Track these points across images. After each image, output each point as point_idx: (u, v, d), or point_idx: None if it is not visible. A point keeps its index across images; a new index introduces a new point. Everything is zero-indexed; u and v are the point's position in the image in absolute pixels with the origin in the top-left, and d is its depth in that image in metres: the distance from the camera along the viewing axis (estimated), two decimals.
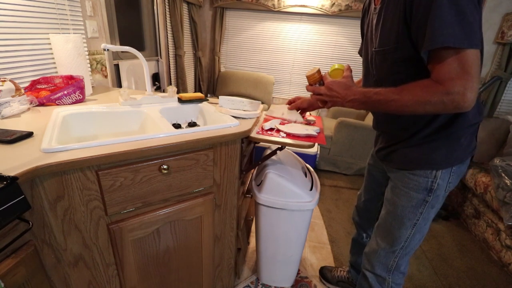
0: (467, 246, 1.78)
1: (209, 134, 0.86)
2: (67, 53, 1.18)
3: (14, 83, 0.98)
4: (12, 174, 0.53)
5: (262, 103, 2.62)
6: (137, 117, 1.06)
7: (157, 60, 2.48)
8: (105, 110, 1.03)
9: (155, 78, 2.48)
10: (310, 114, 1.26)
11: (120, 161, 0.72)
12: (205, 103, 1.21)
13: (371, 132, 2.42)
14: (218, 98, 1.15)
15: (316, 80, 0.88)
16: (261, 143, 1.00)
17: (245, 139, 0.98)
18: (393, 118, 0.85)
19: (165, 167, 0.79)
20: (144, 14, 2.23)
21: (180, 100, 1.17)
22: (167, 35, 2.53)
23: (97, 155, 0.66)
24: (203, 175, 0.90)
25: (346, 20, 3.01)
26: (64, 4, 1.29)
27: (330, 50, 3.18)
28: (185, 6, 2.81)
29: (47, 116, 0.91)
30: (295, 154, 1.36)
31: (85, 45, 1.43)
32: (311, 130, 1.02)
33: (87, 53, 1.43)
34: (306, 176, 1.22)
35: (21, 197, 0.53)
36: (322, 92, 0.85)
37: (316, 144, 1.90)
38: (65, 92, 1.05)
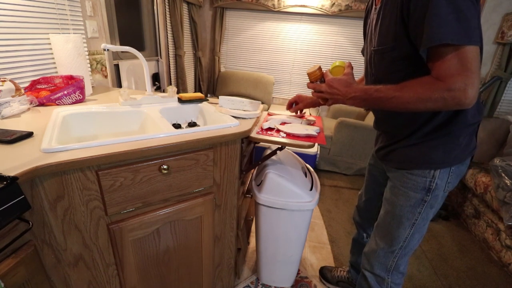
0: (467, 246, 1.78)
1: (209, 134, 0.86)
2: (67, 53, 1.18)
3: (14, 83, 0.98)
4: (12, 174, 0.53)
5: (262, 103, 2.63)
6: (137, 117, 1.06)
7: (157, 60, 2.48)
8: (105, 110, 1.03)
9: (155, 78, 2.48)
10: (310, 114, 1.26)
11: (120, 161, 0.72)
12: (205, 103, 1.21)
13: (371, 132, 2.42)
14: (218, 98, 1.15)
15: (317, 78, 0.87)
16: (261, 143, 1.00)
17: (245, 139, 0.98)
18: (392, 116, 0.85)
19: (165, 167, 0.79)
20: (144, 14, 2.23)
21: (180, 100, 1.17)
22: (167, 35, 2.53)
23: (97, 155, 0.66)
24: (203, 175, 0.90)
25: (346, 20, 3.02)
26: (64, 4, 1.29)
27: (330, 50, 3.18)
28: (185, 6, 2.81)
29: (47, 116, 0.91)
30: (295, 154, 1.36)
31: (85, 45, 1.43)
32: (311, 130, 1.02)
33: (87, 53, 1.43)
34: (306, 176, 1.22)
35: (21, 197, 0.53)
36: (323, 90, 0.85)
37: (316, 144, 1.90)
38: (65, 92, 1.05)
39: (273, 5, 3.01)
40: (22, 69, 1.14)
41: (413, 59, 0.70)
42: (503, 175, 1.62)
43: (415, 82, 0.66)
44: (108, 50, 0.99)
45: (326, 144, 2.56)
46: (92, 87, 1.40)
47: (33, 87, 1.08)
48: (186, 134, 0.84)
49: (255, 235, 1.33)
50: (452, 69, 0.61)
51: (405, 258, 0.94)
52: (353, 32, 3.05)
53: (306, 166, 1.32)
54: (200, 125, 1.18)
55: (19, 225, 0.59)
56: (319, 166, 2.67)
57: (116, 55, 1.84)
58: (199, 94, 1.22)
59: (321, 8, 2.94)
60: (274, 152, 1.10)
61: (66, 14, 1.30)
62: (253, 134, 0.96)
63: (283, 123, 1.09)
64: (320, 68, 0.87)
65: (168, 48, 2.59)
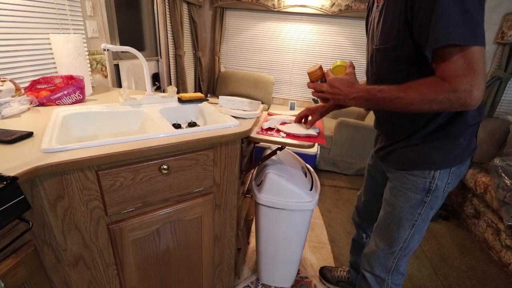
0: (467, 246, 1.78)
1: (209, 134, 0.86)
2: (67, 53, 1.18)
3: (14, 83, 0.98)
4: (12, 174, 0.53)
5: (262, 103, 2.63)
6: (137, 117, 1.06)
7: (157, 60, 2.48)
8: (105, 110, 1.03)
9: (155, 78, 2.48)
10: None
11: (120, 161, 0.72)
12: (205, 103, 1.21)
13: (371, 132, 2.42)
14: (218, 98, 1.15)
15: (317, 77, 0.86)
16: (261, 143, 1.00)
17: (245, 139, 0.98)
18: (393, 117, 0.84)
19: (165, 167, 0.79)
20: (144, 14, 2.23)
21: (180, 100, 1.17)
22: (167, 35, 2.53)
23: (97, 155, 0.66)
24: (203, 175, 0.90)
25: (346, 20, 3.02)
26: (64, 4, 1.29)
27: (330, 50, 3.18)
28: (185, 6, 2.81)
29: (47, 116, 0.91)
30: (295, 154, 1.36)
31: (85, 45, 1.43)
32: (311, 130, 1.02)
33: (87, 53, 1.43)
34: (306, 176, 1.22)
35: (21, 197, 0.53)
36: (324, 90, 0.83)
37: (316, 144, 1.90)
38: (65, 92, 1.05)
39: (273, 5, 3.01)
40: (22, 69, 1.14)
41: (415, 58, 0.69)
42: (503, 175, 1.62)
43: (419, 83, 0.65)
44: (108, 50, 0.99)
45: (326, 144, 2.56)
46: (92, 87, 1.40)
47: (33, 87, 1.08)
48: (186, 134, 0.84)
49: (255, 235, 1.33)
50: (458, 70, 0.60)
51: (405, 258, 0.93)
52: (353, 32, 3.05)
53: (306, 166, 1.32)
54: (200, 125, 1.18)
55: (19, 225, 0.59)
56: (319, 166, 2.67)
57: (116, 55, 1.84)
58: (199, 94, 1.22)
59: (321, 8, 2.94)
60: (274, 152, 1.10)
61: (66, 14, 1.30)
62: (253, 134, 0.96)
63: (283, 123, 1.09)
64: (321, 68, 0.86)
65: (168, 48, 2.59)
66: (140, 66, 1.99)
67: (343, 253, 1.65)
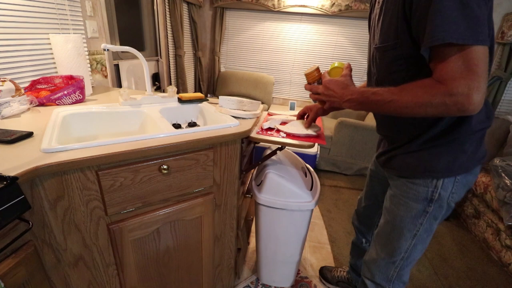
0: (467, 246, 1.78)
1: (209, 134, 0.86)
2: (67, 53, 1.18)
3: (14, 83, 0.98)
4: (12, 174, 0.53)
5: (262, 103, 2.63)
6: (137, 117, 1.06)
7: (157, 60, 2.48)
8: (105, 110, 1.03)
9: (155, 78, 2.48)
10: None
11: (120, 161, 0.72)
12: (205, 103, 1.21)
13: (371, 132, 2.42)
14: (218, 98, 1.15)
15: (314, 79, 0.85)
16: (261, 143, 1.00)
17: (245, 139, 0.98)
18: (393, 120, 0.81)
19: (165, 167, 0.79)
20: (144, 14, 2.23)
21: (180, 100, 1.17)
22: (167, 35, 2.53)
23: (97, 155, 0.66)
24: (203, 175, 0.90)
25: (346, 20, 3.01)
26: (64, 4, 1.29)
27: (330, 50, 3.18)
28: (185, 6, 2.81)
29: (47, 116, 0.91)
30: (295, 154, 1.36)
31: (85, 45, 1.43)
32: (311, 130, 1.02)
33: (87, 53, 1.43)
34: (306, 176, 1.22)
35: (21, 197, 0.53)
36: (319, 91, 0.82)
37: (316, 144, 1.90)
38: (65, 92, 1.05)
39: (273, 5, 3.01)
40: (22, 69, 1.14)
41: (415, 58, 0.65)
42: (503, 175, 1.62)
43: (414, 85, 0.61)
44: (108, 50, 0.99)
45: (326, 144, 2.56)
46: (92, 87, 1.40)
47: (33, 87, 1.08)
48: (186, 134, 0.84)
49: (255, 235, 1.33)
50: (455, 71, 0.55)
51: (407, 268, 0.89)
52: (353, 32, 3.05)
53: (306, 166, 1.32)
54: (200, 125, 1.18)
55: (19, 225, 0.59)
56: (319, 166, 2.67)
57: (116, 55, 1.84)
58: (199, 94, 1.22)
59: (321, 8, 2.94)
60: (274, 152, 1.10)
61: (66, 14, 1.30)
62: (253, 134, 0.96)
63: (283, 123, 1.09)
64: (318, 69, 0.85)
65: (168, 48, 2.59)
66: (140, 66, 1.99)
67: (343, 253, 1.65)
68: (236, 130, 0.92)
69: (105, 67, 1.62)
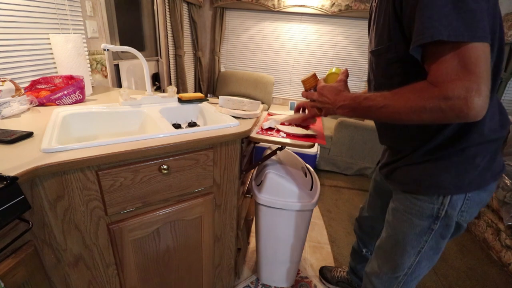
0: (467, 246, 1.78)
1: (209, 134, 0.86)
2: (67, 53, 1.18)
3: (14, 83, 0.98)
4: (12, 174, 0.53)
5: (262, 103, 2.63)
6: (137, 117, 1.06)
7: (157, 60, 2.48)
8: (105, 110, 1.03)
9: (155, 78, 2.48)
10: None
11: (120, 161, 0.72)
12: (205, 103, 1.21)
13: (371, 132, 2.42)
14: (218, 98, 1.15)
15: (311, 85, 0.83)
16: (261, 143, 1.00)
17: (245, 139, 0.98)
18: (393, 128, 0.76)
19: (165, 167, 0.79)
20: (144, 14, 2.23)
21: (180, 100, 1.17)
22: (167, 35, 2.53)
23: (97, 155, 0.66)
24: (203, 175, 0.90)
25: (346, 20, 3.02)
26: (64, 4, 1.29)
27: (330, 50, 3.18)
28: (185, 6, 2.81)
29: (47, 116, 0.91)
30: (295, 154, 1.36)
31: (85, 45, 1.43)
32: (311, 130, 1.02)
33: (87, 53, 1.43)
34: (306, 176, 1.22)
35: (21, 197, 0.53)
36: (314, 98, 0.79)
37: (316, 144, 1.90)
38: (65, 92, 1.05)
39: (273, 5, 3.01)
40: (22, 69, 1.14)
41: (412, 61, 0.59)
42: (503, 175, 1.62)
43: (407, 89, 0.56)
44: (108, 50, 0.99)
45: (326, 144, 2.56)
46: (92, 87, 1.40)
47: (33, 87, 1.08)
48: (186, 134, 0.84)
49: (255, 235, 1.33)
50: (450, 72, 0.49)
51: (412, 283, 0.83)
52: (353, 32, 3.05)
53: (306, 166, 1.32)
54: (200, 125, 1.18)
55: (19, 225, 0.59)
56: (319, 166, 2.67)
57: (116, 55, 1.84)
58: (199, 94, 1.22)
59: (321, 8, 2.94)
60: (274, 152, 1.10)
61: (66, 14, 1.30)
62: (253, 134, 0.96)
63: (283, 123, 1.09)
64: (314, 75, 0.83)
65: (168, 48, 2.59)
66: (140, 66, 1.99)
67: (343, 253, 1.65)
68: (236, 130, 0.92)
69: (105, 67, 1.62)
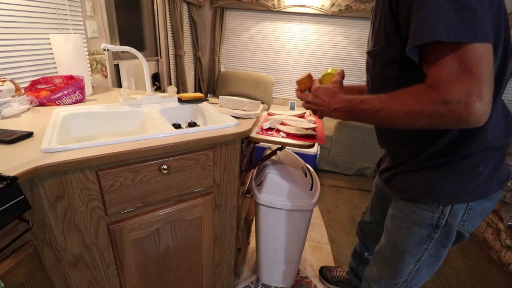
0: (467, 246, 1.78)
1: (209, 134, 0.86)
2: (67, 53, 1.18)
3: (14, 83, 0.98)
4: (12, 174, 0.53)
5: (262, 103, 2.63)
6: (137, 117, 1.06)
7: (157, 60, 2.48)
8: (105, 110, 1.03)
9: (155, 78, 2.48)
10: (310, 114, 1.25)
11: (120, 161, 0.72)
12: (205, 103, 1.21)
13: (371, 132, 2.42)
14: (218, 98, 1.15)
15: (306, 86, 0.82)
16: (261, 143, 1.00)
17: (245, 139, 0.98)
18: (391, 132, 0.74)
19: (165, 167, 0.79)
20: (144, 14, 2.23)
21: (180, 100, 1.17)
22: (167, 35, 2.53)
23: (97, 155, 0.66)
24: (203, 175, 0.90)
25: (346, 20, 3.02)
26: (64, 4, 1.29)
27: (330, 50, 3.18)
28: (185, 6, 2.81)
29: (47, 116, 0.91)
30: (295, 154, 1.36)
31: (85, 45, 1.43)
32: (311, 130, 1.02)
33: (87, 53, 1.43)
34: (306, 176, 1.22)
35: (21, 197, 0.53)
36: (309, 99, 0.76)
37: (316, 144, 1.90)
38: (65, 92, 1.05)
39: (273, 5, 3.01)
40: (22, 69, 1.14)
41: (409, 63, 0.56)
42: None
43: (404, 92, 0.54)
44: (108, 50, 0.99)
45: (326, 144, 2.56)
46: (92, 87, 1.40)
47: (33, 87, 1.08)
48: (186, 134, 0.84)
49: (255, 235, 1.33)
50: (450, 74, 0.46)
51: None
52: (353, 32, 3.05)
53: (306, 166, 1.32)
54: (200, 125, 1.18)
55: (19, 225, 0.59)
56: (319, 166, 2.67)
57: (116, 55, 1.84)
58: (199, 94, 1.22)
59: (321, 8, 2.94)
60: (274, 152, 1.10)
61: (66, 14, 1.30)
62: (253, 134, 0.96)
63: (283, 123, 1.09)
64: (309, 76, 0.82)
65: (168, 48, 2.59)
66: (140, 66, 1.99)
67: (343, 253, 1.65)
68: (236, 130, 0.92)
69: (105, 67, 1.62)
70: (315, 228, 1.85)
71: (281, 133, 0.99)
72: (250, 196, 1.34)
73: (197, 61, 3.29)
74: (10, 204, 0.51)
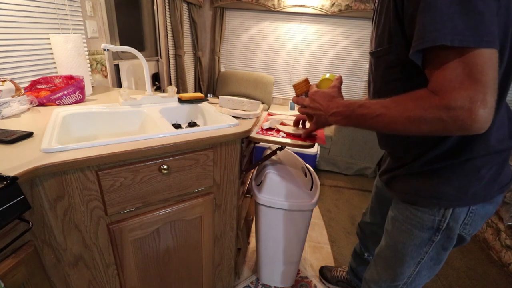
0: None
1: (209, 134, 0.86)
2: (67, 53, 1.18)
3: (14, 83, 0.98)
4: (12, 174, 0.53)
5: (262, 103, 2.63)
6: (137, 117, 1.06)
7: (157, 60, 2.48)
8: (105, 110, 1.03)
9: (155, 78, 2.48)
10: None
11: (120, 161, 0.72)
12: (205, 103, 1.21)
13: (371, 132, 2.41)
14: (218, 98, 1.15)
15: (303, 91, 0.81)
16: (261, 143, 1.00)
17: (245, 139, 0.98)
18: (392, 135, 0.72)
19: (165, 167, 0.79)
20: (144, 14, 2.23)
21: (180, 100, 1.17)
22: (167, 35, 2.53)
23: (97, 155, 0.66)
24: (203, 175, 0.90)
25: (346, 20, 3.02)
26: (64, 4, 1.28)
27: (330, 50, 3.18)
28: (185, 6, 2.81)
29: (47, 116, 0.91)
30: (295, 154, 1.36)
31: (85, 45, 1.43)
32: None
33: (87, 53, 1.43)
34: (306, 176, 1.22)
35: (21, 197, 0.53)
36: (306, 104, 0.75)
37: (316, 144, 1.90)
38: (65, 92, 1.05)
39: (273, 5, 3.01)
40: (22, 69, 1.14)
41: (413, 66, 0.54)
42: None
43: (405, 97, 0.52)
44: (108, 50, 0.99)
45: (326, 144, 2.56)
46: (92, 87, 1.40)
47: (33, 87, 1.08)
48: (186, 134, 0.84)
49: (255, 235, 1.33)
50: (453, 80, 0.45)
51: None
52: (353, 32, 3.05)
53: (306, 166, 1.32)
54: (200, 125, 1.18)
55: (19, 225, 0.59)
56: (319, 166, 2.67)
57: (116, 55, 1.84)
58: (199, 94, 1.22)
59: (321, 8, 2.94)
60: (274, 152, 1.10)
61: (66, 14, 1.30)
62: (253, 134, 0.96)
63: (283, 123, 1.09)
64: (306, 80, 0.81)
65: (168, 48, 2.59)
66: (140, 66, 1.99)
67: (343, 253, 1.65)
68: (236, 130, 0.92)
69: (105, 67, 1.62)
70: (315, 228, 1.85)
71: (281, 133, 0.99)
72: (250, 196, 1.34)
73: (197, 61, 3.29)
74: (10, 204, 0.51)
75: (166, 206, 0.86)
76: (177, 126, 1.09)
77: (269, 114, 1.23)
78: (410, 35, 0.52)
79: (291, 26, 3.17)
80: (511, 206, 1.53)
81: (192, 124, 1.15)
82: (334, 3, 2.90)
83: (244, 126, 0.96)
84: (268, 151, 1.23)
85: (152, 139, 0.78)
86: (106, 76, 1.63)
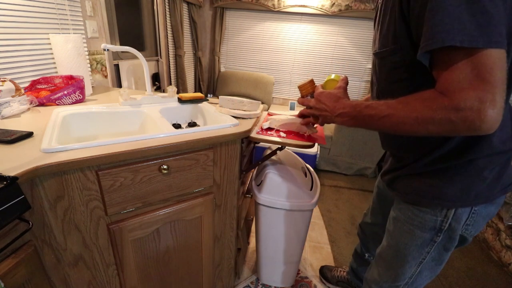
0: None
1: (209, 134, 0.86)
2: (67, 53, 1.18)
3: (14, 83, 0.98)
4: (12, 174, 0.53)
5: (262, 103, 2.63)
6: (137, 117, 1.06)
7: (157, 60, 2.48)
8: (105, 110, 1.03)
9: (155, 78, 2.48)
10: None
11: (120, 161, 0.72)
12: (205, 103, 1.21)
13: (371, 132, 2.42)
14: (218, 98, 1.15)
15: (308, 92, 0.81)
16: (261, 143, 1.00)
17: (245, 139, 0.98)
18: (396, 135, 0.72)
19: (165, 167, 0.79)
20: (144, 14, 2.23)
21: (180, 100, 1.17)
22: (167, 35, 2.53)
23: (97, 155, 0.66)
24: (203, 175, 0.90)
25: (346, 20, 3.02)
26: (64, 4, 1.28)
27: (330, 50, 3.18)
28: (185, 6, 2.81)
29: (47, 116, 0.91)
30: (295, 154, 1.36)
31: (85, 45, 1.43)
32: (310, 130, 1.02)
33: (87, 53, 1.43)
34: (306, 176, 1.22)
35: (21, 197, 0.53)
36: (311, 105, 0.76)
37: (316, 144, 1.90)
38: (65, 92, 1.05)
39: (273, 5, 3.01)
40: (22, 69, 1.14)
41: (418, 66, 0.54)
42: None
43: (413, 98, 0.52)
44: (108, 50, 0.99)
45: (326, 144, 2.56)
46: (92, 87, 1.40)
47: (33, 87, 1.08)
48: (186, 134, 0.84)
49: (255, 235, 1.33)
50: (462, 81, 0.45)
51: None
52: (353, 32, 3.05)
53: (306, 166, 1.32)
54: (200, 125, 1.18)
55: (19, 225, 0.59)
56: (319, 166, 2.67)
57: (116, 55, 1.84)
58: (199, 94, 1.22)
59: (321, 8, 2.94)
60: (274, 152, 1.10)
61: (66, 14, 1.30)
62: (253, 134, 0.96)
63: (283, 124, 1.09)
64: (311, 81, 0.82)
65: (168, 48, 2.59)
66: (140, 66, 1.99)
67: (343, 253, 1.65)
68: (236, 130, 0.92)
69: (105, 67, 1.62)
70: (315, 228, 1.85)
71: (281, 133, 0.99)
72: (250, 196, 1.34)
73: (197, 61, 3.29)
74: (10, 204, 0.51)
75: (166, 206, 0.86)
76: (177, 126, 1.09)
77: (269, 114, 1.23)
78: (416, 36, 0.52)
79: (291, 26, 3.17)
80: (511, 206, 1.53)
81: (192, 124, 1.15)
82: (334, 3, 2.90)
83: (244, 126, 0.96)
84: (268, 151, 1.23)
85: (152, 139, 0.78)
86: (106, 76, 1.63)
